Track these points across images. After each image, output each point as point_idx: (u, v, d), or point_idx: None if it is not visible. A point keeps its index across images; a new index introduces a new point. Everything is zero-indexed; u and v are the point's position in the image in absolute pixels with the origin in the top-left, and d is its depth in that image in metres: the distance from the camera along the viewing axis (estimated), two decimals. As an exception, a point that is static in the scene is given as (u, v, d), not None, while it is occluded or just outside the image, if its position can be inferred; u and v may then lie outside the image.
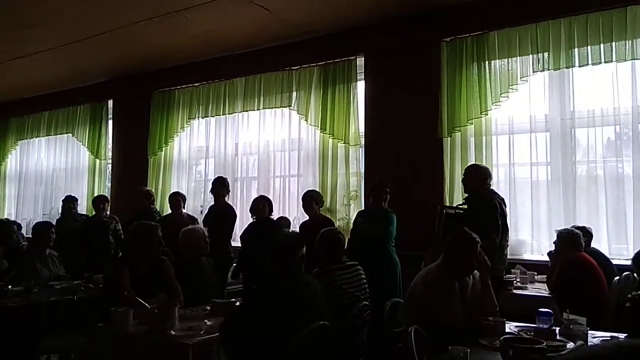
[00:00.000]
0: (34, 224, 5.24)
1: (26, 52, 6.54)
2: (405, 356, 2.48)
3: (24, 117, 8.96)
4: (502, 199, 4.07)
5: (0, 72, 7.41)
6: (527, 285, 4.18)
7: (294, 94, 6.11)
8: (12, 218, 7.92)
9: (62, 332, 3.66)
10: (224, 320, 2.80)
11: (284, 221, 5.59)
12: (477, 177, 4.11)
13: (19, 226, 7.35)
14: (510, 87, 4.80)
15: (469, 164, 4.54)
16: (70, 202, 6.50)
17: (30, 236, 5.30)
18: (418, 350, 2.47)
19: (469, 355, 2.12)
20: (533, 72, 4.72)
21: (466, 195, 4.24)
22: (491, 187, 4.15)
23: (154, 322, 2.87)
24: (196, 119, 6.97)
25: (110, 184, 7.89)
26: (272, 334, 2.60)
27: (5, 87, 8.30)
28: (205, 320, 3.02)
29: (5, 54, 6.64)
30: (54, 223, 6.12)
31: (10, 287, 4.04)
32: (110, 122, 7.98)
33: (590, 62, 4.46)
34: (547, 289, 3.91)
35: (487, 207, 3.87)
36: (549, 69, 4.66)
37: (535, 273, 4.37)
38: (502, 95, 4.84)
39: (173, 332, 2.80)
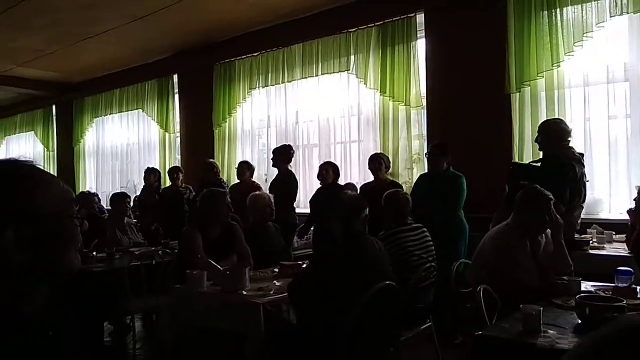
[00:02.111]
0: (110, 195, 5.59)
1: (92, 32, 6.84)
2: (474, 316, 2.45)
3: (98, 96, 9.44)
4: (580, 158, 3.74)
5: (73, 53, 7.81)
6: (605, 245, 3.96)
7: (352, 57, 6.01)
8: (93, 191, 8.45)
9: (143, 295, 3.89)
10: (291, 281, 2.88)
11: (350, 186, 5.61)
12: (550, 134, 3.79)
13: (99, 198, 7.85)
14: (585, 35, 4.45)
15: (542, 120, 4.22)
16: (148, 173, 6.86)
17: (109, 207, 5.67)
18: (487, 310, 2.43)
19: (541, 314, 2.05)
20: (610, 16, 4.34)
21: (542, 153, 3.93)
22: (569, 145, 3.77)
23: (226, 283, 3.01)
24: (257, 89, 7.05)
25: (179, 156, 8.22)
26: (338, 294, 2.64)
27: (79, 67, 8.76)
28: (274, 281, 3.12)
29: (74, 35, 6.98)
30: (137, 194, 6.56)
31: (94, 253, 4.36)
32: (177, 96, 8.25)
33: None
34: (627, 249, 3.70)
35: (559, 171, 3.57)
36: (628, 12, 4.26)
37: (614, 232, 4.13)
38: (576, 44, 4.50)
39: (244, 292, 2.92)
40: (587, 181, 3.81)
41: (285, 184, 5.49)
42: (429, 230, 3.63)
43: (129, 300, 3.89)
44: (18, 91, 9.99)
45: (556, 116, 4.50)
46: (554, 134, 3.79)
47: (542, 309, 2.07)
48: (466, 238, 4.30)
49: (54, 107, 10.56)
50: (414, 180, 5.56)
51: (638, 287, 2.51)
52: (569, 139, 3.79)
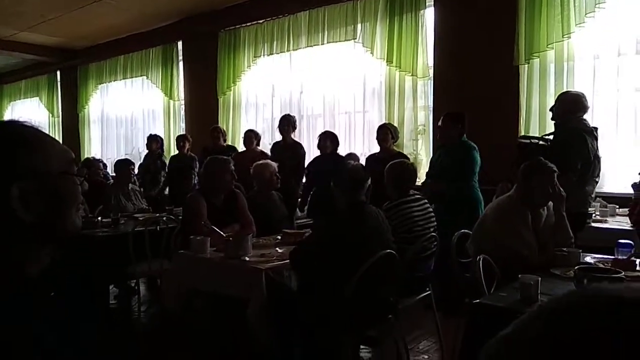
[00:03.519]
0: (115, 162, 5.61)
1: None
2: (473, 285, 2.48)
3: (102, 62, 9.37)
4: (592, 131, 3.64)
5: (77, 19, 7.72)
6: (607, 219, 3.97)
7: (359, 25, 5.92)
8: (98, 157, 8.48)
9: (148, 259, 3.95)
10: (294, 249, 2.91)
11: (352, 156, 5.60)
12: (566, 104, 3.69)
13: (104, 165, 7.90)
14: (597, 5, 4.35)
15: (562, 91, 4.10)
16: (150, 141, 6.86)
17: (114, 174, 5.70)
18: (486, 280, 2.45)
19: (539, 283, 2.07)
20: (625, -14, 4.25)
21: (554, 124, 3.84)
22: (583, 118, 3.67)
23: (229, 249, 3.05)
24: (262, 57, 6.97)
25: (184, 124, 8.21)
26: (339, 262, 2.67)
27: (83, 33, 8.66)
28: (277, 248, 3.16)
29: (78, 0, 6.88)
30: (141, 161, 6.57)
31: (99, 218, 4.42)
32: (181, 64, 8.17)
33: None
34: (629, 222, 3.70)
35: (568, 142, 3.51)
36: (643, -18, 4.17)
37: (617, 206, 4.13)
38: (588, 15, 4.40)
39: (247, 259, 2.96)
40: (601, 157, 3.72)
41: (292, 151, 5.47)
42: (445, 205, 3.62)
43: (134, 264, 3.95)
44: (22, 57, 9.92)
45: (565, 89, 4.43)
46: (570, 104, 3.68)
47: (540, 279, 2.09)
48: (480, 210, 4.22)
49: (58, 73, 10.51)
50: (419, 152, 5.56)
51: (637, 260, 2.52)
52: (584, 113, 3.69)
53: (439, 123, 4.42)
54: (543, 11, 4.62)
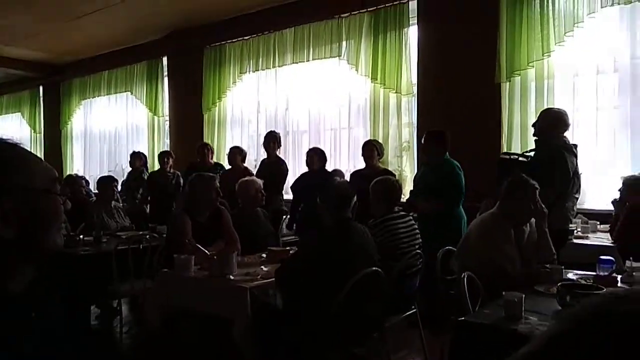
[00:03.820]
0: (97, 179, 5.55)
1: (81, 12, 6.73)
2: (458, 302, 2.48)
3: (86, 78, 9.31)
4: (572, 148, 3.68)
5: (61, 34, 7.69)
6: (589, 235, 4.03)
7: (344, 43, 5.98)
8: (80, 174, 8.37)
9: (130, 278, 3.89)
10: (279, 267, 2.89)
11: (337, 172, 5.61)
12: (548, 120, 3.73)
13: (87, 182, 7.79)
14: (576, 24, 4.47)
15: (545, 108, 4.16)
16: (134, 158, 6.81)
17: (97, 191, 5.63)
18: (471, 297, 2.46)
19: (523, 300, 2.09)
20: (601, 7, 4.36)
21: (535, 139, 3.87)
22: (563, 135, 3.71)
23: (213, 268, 3.02)
24: (247, 73, 7.00)
25: (168, 140, 8.16)
26: (325, 280, 2.66)
27: (67, 48, 8.62)
28: (262, 267, 3.14)
29: (62, 15, 6.86)
30: (125, 178, 6.49)
31: (81, 237, 4.35)
32: (166, 80, 8.16)
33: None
34: (610, 239, 3.76)
35: (549, 159, 3.55)
36: (619, 4, 4.29)
37: (598, 222, 4.20)
38: (567, 34, 4.52)
39: (232, 277, 2.93)
40: (581, 173, 3.78)
41: (277, 168, 5.47)
42: (427, 228, 3.65)
43: (116, 283, 3.88)
44: (4, 71, 9.82)
45: (545, 106, 4.51)
46: (552, 120, 3.73)
47: (524, 295, 2.10)
48: (463, 227, 4.15)
49: (41, 88, 10.41)
50: (403, 168, 5.60)
51: (619, 276, 2.56)
52: (566, 130, 3.74)
53: (422, 141, 4.44)
54: (524, 30, 4.72)
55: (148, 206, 6.50)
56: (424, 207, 4.15)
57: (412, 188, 4.54)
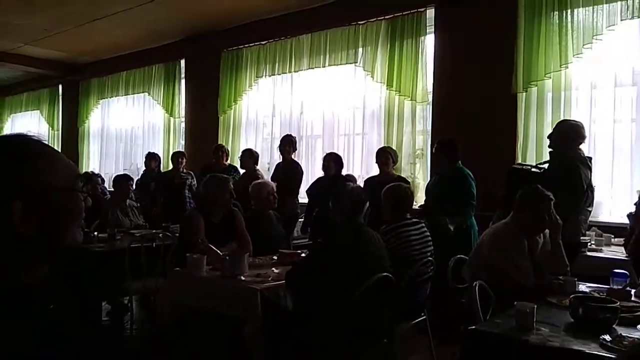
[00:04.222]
0: (113, 177, 5.62)
1: (102, 14, 6.84)
2: (468, 311, 2.47)
3: (104, 78, 9.44)
4: (587, 161, 3.67)
5: (81, 34, 7.81)
6: (602, 248, 3.98)
7: (360, 50, 6.01)
8: (96, 172, 8.48)
9: (143, 276, 3.93)
10: (290, 269, 2.90)
11: (349, 177, 5.61)
12: (563, 132, 3.72)
13: (102, 179, 7.90)
14: (595, 37, 4.43)
15: (561, 119, 4.14)
16: (149, 158, 6.88)
17: (112, 189, 5.71)
18: (482, 306, 2.45)
19: (535, 311, 2.07)
20: (621, 20, 4.33)
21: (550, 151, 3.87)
22: (579, 148, 3.70)
23: (225, 268, 3.04)
24: (263, 77, 7.05)
25: (184, 142, 8.24)
26: (335, 284, 2.67)
27: (87, 48, 8.76)
28: (273, 269, 3.15)
29: (83, 16, 6.97)
30: (138, 177, 6.56)
31: (95, 233, 4.40)
32: (183, 82, 8.25)
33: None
34: (624, 252, 3.72)
35: (563, 171, 3.54)
36: (639, 17, 4.26)
37: (612, 236, 4.15)
38: (585, 46, 4.48)
39: (243, 278, 2.95)
40: (595, 186, 3.77)
41: (292, 171, 5.50)
42: (438, 240, 3.62)
43: (128, 281, 3.92)
44: (25, 69, 9.99)
45: (562, 118, 4.49)
46: (568, 132, 3.72)
47: (535, 306, 2.09)
48: (474, 237, 4.11)
49: (60, 86, 10.58)
50: (416, 175, 5.59)
51: (633, 290, 2.53)
52: (581, 142, 3.73)
53: (433, 150, 4.41)
54: (542, 41, 4.70)
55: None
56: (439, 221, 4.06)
57: (424, 196, 4.53)
